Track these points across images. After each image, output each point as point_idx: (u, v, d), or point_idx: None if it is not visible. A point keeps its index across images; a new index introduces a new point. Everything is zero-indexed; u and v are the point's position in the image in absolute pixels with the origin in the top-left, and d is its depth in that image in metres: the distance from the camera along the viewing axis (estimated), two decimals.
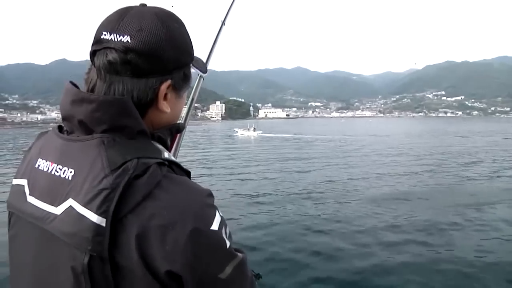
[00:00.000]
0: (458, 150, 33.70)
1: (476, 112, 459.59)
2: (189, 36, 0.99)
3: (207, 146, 45.03)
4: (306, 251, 9.04)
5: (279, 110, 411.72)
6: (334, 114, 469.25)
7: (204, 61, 1.37)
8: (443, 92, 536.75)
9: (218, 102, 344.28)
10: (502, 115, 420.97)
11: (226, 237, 0.86)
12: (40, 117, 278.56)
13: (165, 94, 0.94)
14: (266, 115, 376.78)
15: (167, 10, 0.97)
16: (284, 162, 27.50)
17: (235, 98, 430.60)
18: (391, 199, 14.54)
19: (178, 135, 1.12)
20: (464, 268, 7.97)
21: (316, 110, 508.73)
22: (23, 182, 0.94)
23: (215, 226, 0.83)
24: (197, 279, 0.81)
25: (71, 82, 0.96)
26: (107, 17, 0.93)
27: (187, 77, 1.01)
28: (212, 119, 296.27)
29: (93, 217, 0.78)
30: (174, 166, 0.89)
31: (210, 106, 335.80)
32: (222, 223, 0.86)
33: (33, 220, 0.89)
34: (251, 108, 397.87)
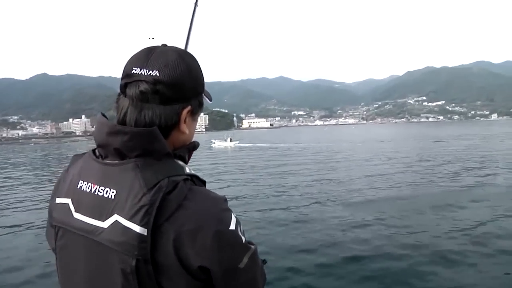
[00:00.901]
0: (438, 154, 33.77)
1: (457, 116, 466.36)
2: (201, 70, 1.21)
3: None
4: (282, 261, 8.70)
5: (263, 120, 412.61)
6: (318, 122, 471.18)
7: (184, 43, 1.57)
8: (424, 98, 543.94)
9: (201, 114, 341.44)
10: (482, 119, 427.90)
11: (242, 234, 1.08)
12: (21, 132, 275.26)
13: (185, 118, 1.16)
14: (250, 125, 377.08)
15: (186, 50, 1.21)
16: (255, 170, 27.24)
17: (218, 109, 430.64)
18: (364, 203, 14.25)
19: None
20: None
21: (300, 118, 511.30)
22: (67, 201, 1.13)
23: (232, 226, 1.04)
24: (223, 271, 1.03)
25: (103, 114, 1.15)
26: (135, 54, 1.14)
27: (201, 104, 1.24)
28: (196, 130, 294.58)
29: (137, 228, 0.98)
30: (195, 179, 1.10)
31: None
32: (238, 223, 1.07)
33: (82, 233, 1.08)
34: (234, 118, 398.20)
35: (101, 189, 1.07)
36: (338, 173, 23.68)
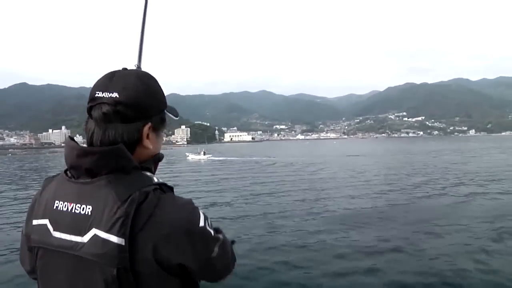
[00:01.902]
0: (417, 169, 33.88)
1: (436, 131, 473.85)
2: (161, 89, 1.36)
3: (158, 169, 43.91)
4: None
5: (245, 133, 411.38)
6: (299, 136, 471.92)
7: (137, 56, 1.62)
8: (404, 113, 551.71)
9: (183, 127, 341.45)
10: (460, 134, 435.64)
11: (210, 228, 1.21)
12: None
13: (147, 134, 1.27)
14: (231, 139, 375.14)
15: (143, 71, 1.35)
16: (218, 183, 27.23)
17: (200, 122, 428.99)
18: (338, 218, 13.98)
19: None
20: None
21: (281, 133, 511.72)
22: (45, 221, 1.21)
23: (201, 224, 1.18)
24: (198, 264, 1.17)
25: (70, 138, 1.26)
26: (99, 80, 1.28)
27: (163, 120, 1.36)
28: (177, 143, 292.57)
29: (115, 239, 1.08)
30: (163, 186, 1.20)
31: (176, 131, 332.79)
32: (205, 219, 1.20)
33: (62, 250, 1.17)
34: (216, 132, 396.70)
35: (78, 207, 1.16)
36: (294, 185, 23.86)
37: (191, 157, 70.19)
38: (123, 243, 1.08)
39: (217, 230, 1.26)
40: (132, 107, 1.23)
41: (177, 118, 1.51)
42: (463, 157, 49.12)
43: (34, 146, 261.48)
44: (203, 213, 1.21)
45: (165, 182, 1.24)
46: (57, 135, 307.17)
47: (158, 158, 1.38)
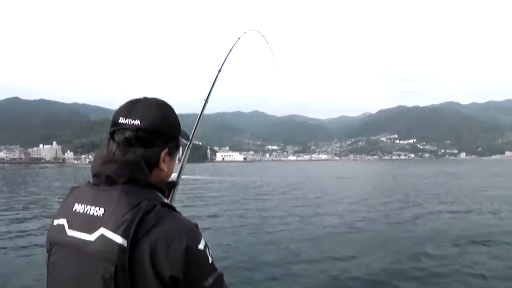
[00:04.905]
0: (406, 191, 33.63)
1: (427, 154, 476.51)
2: (177, 117, 1.51)
3: None
4: None
5: (237, 153, 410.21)
6: (291, 157, 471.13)
7: (202, 106, 2.18)
8: (396, 136, 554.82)
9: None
10: (451, 157, 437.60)
11: (209, 255, 1.29)
12: None
13: (164, 158, 1.44)
14: (223, 159, 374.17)
15: (162, 100, 1.49)
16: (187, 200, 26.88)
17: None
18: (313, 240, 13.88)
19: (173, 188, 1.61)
20: None
21: (273, 153, 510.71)
22: (63, 221, 1.35)
23: (201, 246, 1.26)
24: (188, 283, 1.23)
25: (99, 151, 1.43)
26: (122, 106, 1.44)
27: (177, 146, 1.53)
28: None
29: (119, 240, 1.19)
30: (171, 207, 1.32)
31: None
32: (206, 246, 1.29)
33: (72, 246, 1.30)
34: (208, 151, 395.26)
35: (92, 208, 1.29)
36: (258, 205, 23.82)
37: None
38: (125, 244, 1.18)
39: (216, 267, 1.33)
40: (151, 133, 1.38)
41: (187, 142, 1.70)
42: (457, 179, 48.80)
43: (24, 161, 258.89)
44: (205, 241, 1.30)
45: (173, 206, 1.35)
46: (47, 150, 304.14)
47: (173, 184, 1.54)
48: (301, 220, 18.38)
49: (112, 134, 1.42)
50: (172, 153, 1.50)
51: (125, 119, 1.38)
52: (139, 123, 1.36)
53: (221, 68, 2.19)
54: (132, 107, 1.41)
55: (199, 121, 2.10)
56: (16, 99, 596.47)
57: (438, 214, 19.94)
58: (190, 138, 1.94)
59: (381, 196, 29.58)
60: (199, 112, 2.21)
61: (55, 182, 55.98)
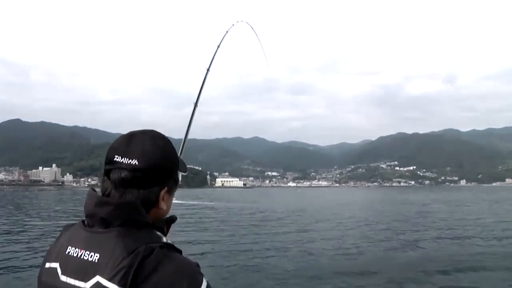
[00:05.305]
0: (406, 219, 33.61)
1: (427, 181, 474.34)
2: (175, 150, 1.42)
3: None
4: None
5: (236, 179, 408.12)
6: (291, 183, 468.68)
7: (194, 100, 2.00)
8: (396, 162, 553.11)
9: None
10: (451, 184, 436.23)
11: None
12: None
13: (163, 197, 1.36)
14: (223, 184, 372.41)
15: (159, 134, 1.41)
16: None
17: (192, 166, 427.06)
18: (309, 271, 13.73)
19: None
20: None
21: (273, 179, 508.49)
22: (56, 265, 1.27)
23: None
24: None
25: (92, 189, 1.35)
26: (116, 141, 1.36)
27: (177, 181, 1.45)
28: None
29: None
30: (171, 248, 1.25)
31: None
32: (209, 286, 1.23)
33: None
34: (208, 177, 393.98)
35: (86, 253, 1.22)
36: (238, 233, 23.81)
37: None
38: None
39: None
40: (150, 173, 1.30)
41: (185, 174, 1.62)
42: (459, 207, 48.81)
43: (23, 183, 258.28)
44: (207, 281, 1.24)
45: (174, 244, 1.29)
46: (47, 173, 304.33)
47: (171, 220, 1.44)
48: (294, 246, 18.42)
49: (107, 172, 1.35)
50: (171, 190, 1.43)
51: (121, 158, 1.30)
52: (137, 163, 1.29)
53: (209, 67, 2.00)
54: (128, 143, 1.33)
55: (189, 127, 1.98)
56: (17, 121, 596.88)
57: (432, 240, 20.03)
58: (181, 146, 1.83)
59: (377, 222, 29.69)
60: (192, 115, 2.12)
61: (54, 205, 55.67)
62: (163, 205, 1.37)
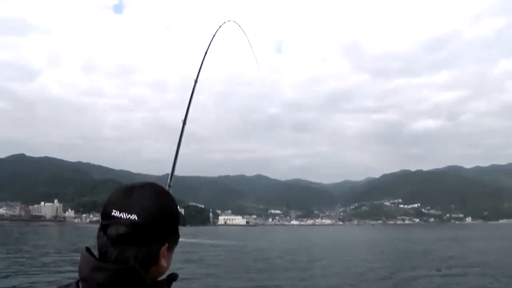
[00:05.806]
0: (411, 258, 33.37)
1: (432, 218, 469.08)
2: (176, 205, 1.34)
3: None
4: None
5: (239, 217, 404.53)
6: (294, 222, 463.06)
7: (183, 117, 1.83)
8: (400, 200, 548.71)
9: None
10: (457, 222, 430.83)
11: None
12: None
13: (163, 253, 1.29)
14: (225, 222, 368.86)
15: (160, 188, 1.33)
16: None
17: (195, 203, 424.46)
18: None
19: None
20: None
21: (276, 217, 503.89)
22: None
23: None
24: None
25: (87, 250, 1.26)
26: (115, 195, 1.26)
27: (178, 237, 1.37)
28: None
29: None
30: None
31: None
32: None
33: None
34: (210, 214, 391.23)
35: None
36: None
37: None
38: None
39: None
40: (150, 229, 1.22)
41: (185, 227, 1.54)
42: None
43: (24, 218, 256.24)
44: None
45: None
46: (48, 208, 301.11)
47: (172, 278, 1.35)
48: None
49: (104, 227, 1.26)
50: (171, 247, 1.36)
51: (120, 213, 1.22)
52: (136, 218, 1.21)
53: (197, 78, 1.79)
54: (127, 197, 1.25)
55: (179, 146, 1.77)
56: (21, 156, 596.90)
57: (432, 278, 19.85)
58: (172, 166, 1.77)
59: (380, 260, 29.11)
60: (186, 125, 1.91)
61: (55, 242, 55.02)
62: (163, 263, 1.30)
